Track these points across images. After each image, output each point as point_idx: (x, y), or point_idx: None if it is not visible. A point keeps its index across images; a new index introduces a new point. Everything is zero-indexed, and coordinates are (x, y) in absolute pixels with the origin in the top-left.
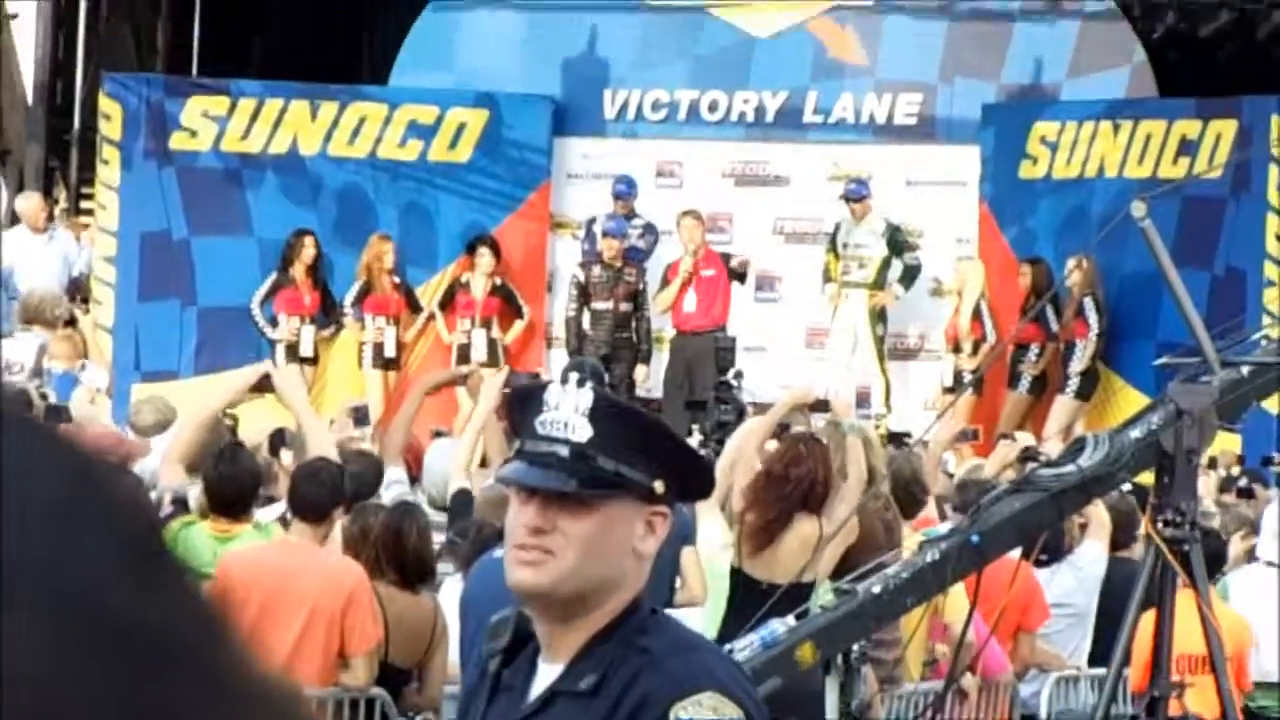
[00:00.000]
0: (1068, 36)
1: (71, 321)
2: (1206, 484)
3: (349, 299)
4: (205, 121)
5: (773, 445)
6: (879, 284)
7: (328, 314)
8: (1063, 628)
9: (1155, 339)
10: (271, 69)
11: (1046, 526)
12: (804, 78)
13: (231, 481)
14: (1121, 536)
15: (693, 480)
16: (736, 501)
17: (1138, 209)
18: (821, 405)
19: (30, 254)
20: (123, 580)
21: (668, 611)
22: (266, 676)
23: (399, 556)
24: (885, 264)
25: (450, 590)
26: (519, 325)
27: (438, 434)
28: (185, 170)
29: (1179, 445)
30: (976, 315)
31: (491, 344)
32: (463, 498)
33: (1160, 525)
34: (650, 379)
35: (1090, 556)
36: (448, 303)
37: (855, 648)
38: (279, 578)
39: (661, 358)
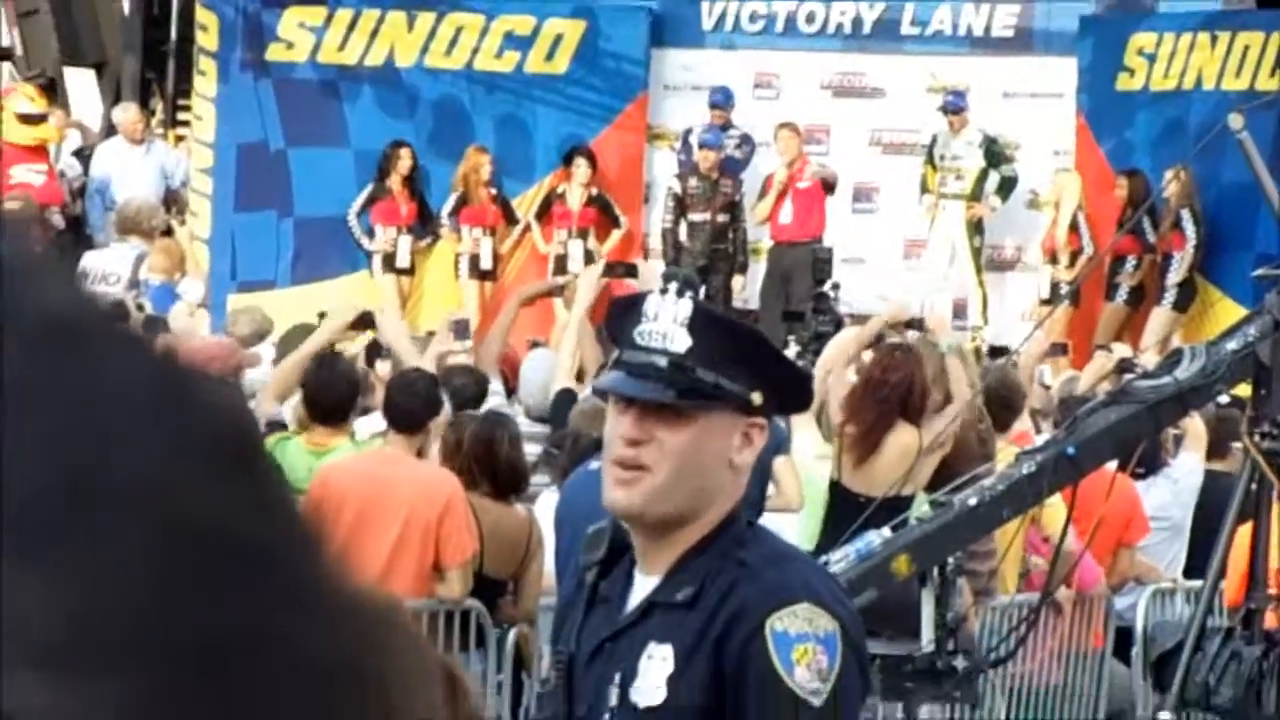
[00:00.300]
0: None
1: (168, 232)
2: None
3: (445, 210)
4: (302, 32)
5: (868, 356)
6: (976, 196)
7: (424, 225)
8: (1158, 540)
9: (1252, 250)
10: None
11: (1143, 438)
12: None
13: (329, 389)
14: (1218, 449)
15: (791, 392)
16: (835, 414)
17: (1235, 121)
18: (916, 323)
19: (127, 165)
20: (213, 489)
21: (762, 519)
22: (360, 592)
23: (491, 466)
24: (982, 176)
25: (547, 502)
26: (615, 236)
27: (534, 344)
28: (282, 82)
29: (1276, 357)
30: (1074, 227)
31: (588, 255)
32: (565, 397)
33: (1257, 438)
34: (747, 290)
35: (1186, 469)
36: (544, 214)
37: (950, 560)
38: (375, 487)
39: (758, 269)
